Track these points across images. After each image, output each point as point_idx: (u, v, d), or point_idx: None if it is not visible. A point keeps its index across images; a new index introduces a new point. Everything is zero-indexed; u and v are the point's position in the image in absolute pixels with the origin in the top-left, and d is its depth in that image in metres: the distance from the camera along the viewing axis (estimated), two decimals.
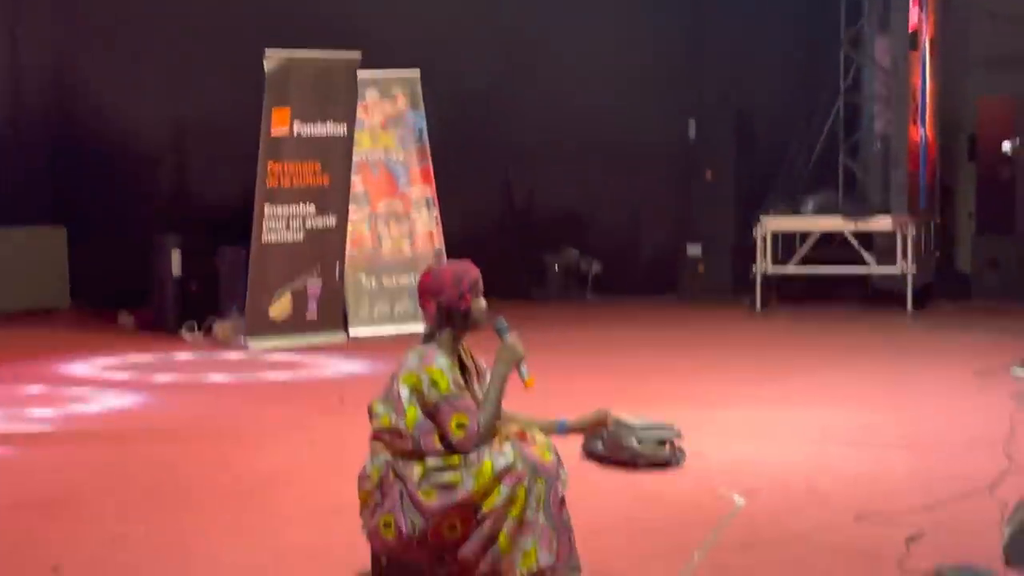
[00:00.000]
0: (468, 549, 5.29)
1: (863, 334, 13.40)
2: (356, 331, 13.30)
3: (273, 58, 12.59)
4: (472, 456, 5.30)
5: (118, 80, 15.27)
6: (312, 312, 13.02)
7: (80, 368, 11.62)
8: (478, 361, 5.62)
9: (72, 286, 14.89)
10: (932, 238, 15.68)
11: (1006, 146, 11.45)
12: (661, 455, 7.86)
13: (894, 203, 14.64)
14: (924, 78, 15.30)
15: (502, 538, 5.28)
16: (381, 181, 13.76)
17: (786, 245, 15.39)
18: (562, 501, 5.39)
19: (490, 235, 15.98)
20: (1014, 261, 14.91)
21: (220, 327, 13.10)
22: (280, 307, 12.82)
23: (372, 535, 5.42)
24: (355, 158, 13.35)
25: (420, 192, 13.92)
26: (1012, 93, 15.30)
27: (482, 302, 5.50)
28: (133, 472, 7.93)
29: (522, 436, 5.43)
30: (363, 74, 13.34)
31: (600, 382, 10.78)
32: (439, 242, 13.90)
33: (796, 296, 15.59)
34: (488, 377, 5.51)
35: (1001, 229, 15.21)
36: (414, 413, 5.35)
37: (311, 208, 12.94)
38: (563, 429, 5.66)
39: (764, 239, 14.91)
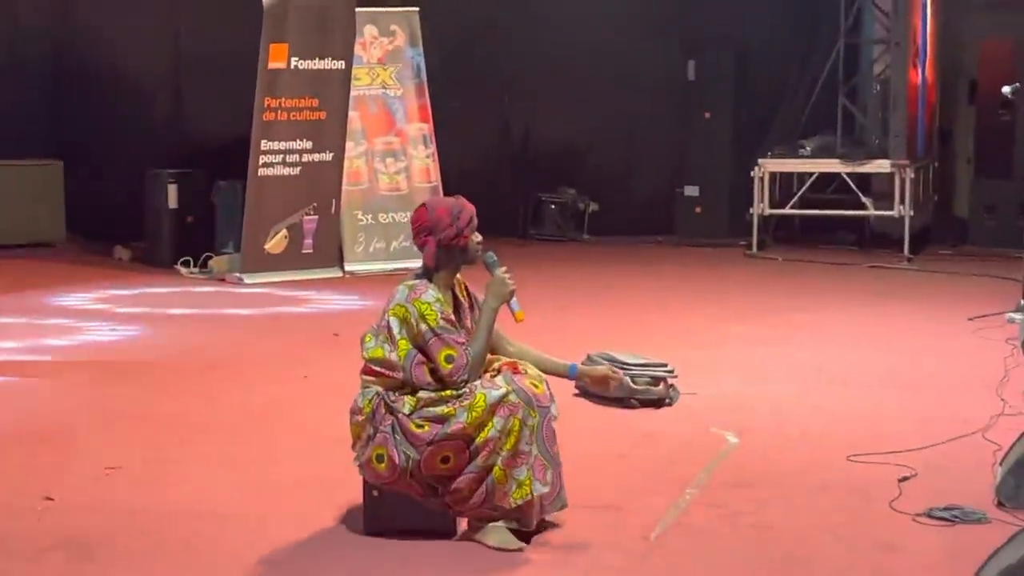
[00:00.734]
0: (462, 480, 5.31)
1: (859, 277, 13.39)
2: (352, 267, 13.29)
3: None
4: (465, 388, 5.31)
5: (115, 12, 15.17)
6: (308, 247, 13.01)
7: (75, 301, 11.62)
8: (473, 295, 5.62)
9: (68, 219, 14.85)
10: (930, 182, 15.63)
11: (1006, 89, 11.39)
12: (654, 393, 7.87)
13: (892, 146, 14.58)
14: (924, 20, 15.20)
15: (496, 469, 5.29)
16: (378, 117, 13.70)
17: (784, 187, 15.35)
18: (554, 434, 5.41)
19: (487, 173, 15.93)
20: (1012, 206, 14.87)
21: (216, 261, 13.09)
22: (276, 242, 12.81)
23: (365, 467, 5.43)
24: (352, 94, 13.30)
25: (417, 129, 13.87)
26: (1013, 36, 15.21)
27: (477, 236, 5.49)
28: (127, 404, 7.95)
29: (514, 368, 5.43)
30: (361, 10, 13.26)
31: (595, 320, 10.79)
32: (436, 179, 13.86)
33: (793, 238, 15.58)
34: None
35: (999, 174, 15.16)
36: (405, 345, 5.35)
37: (308, 143, 12.89)
38: (572, 373, 5.68)
39: (762, 181, 14.87)
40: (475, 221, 5.48)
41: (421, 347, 5.34)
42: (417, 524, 5.44)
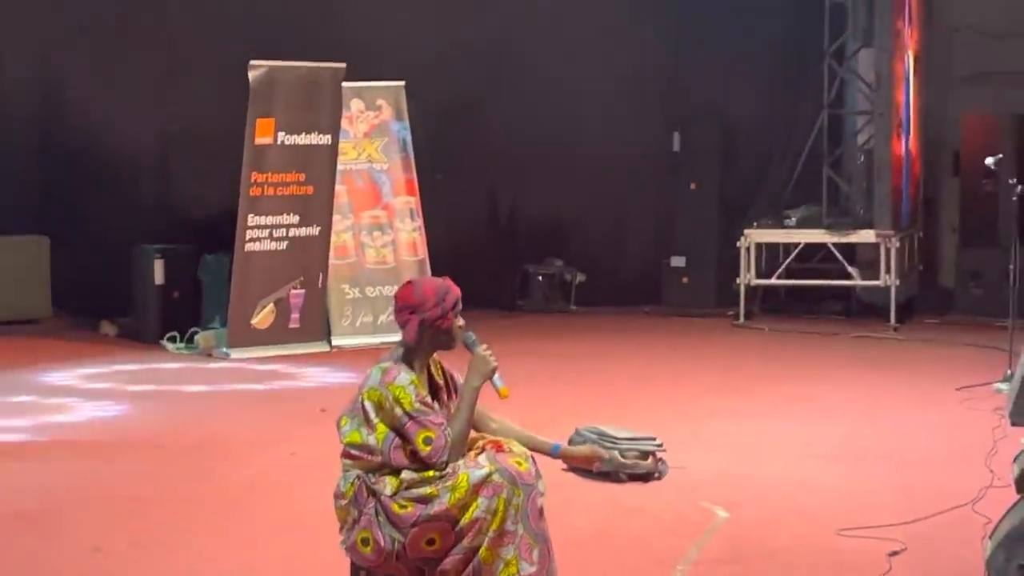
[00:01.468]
0: (448, 562, 5.27)
1: (846, 347, 13.40)
2: (339, 341, 13.27)
3: (258, 68, 12.56)
4: (448, 469, 5.28)
5: (102, 89, 15.20)
6: (295, 321, 12.99)
7: (62, 378, 11.57)
8: (450, 375, 5.59)
9: (54, 295, 14.82)
10: (915, 251, 15.69)
11: (989, 161, 11.48)
12: (643, 467, 7.84)
13: (877, 216, 14.64)
14: (908, 93, 15.32)
15: (483, 550, 5.25)
16: (365, 191, 13.73)
17: (770, 257, 15.39)
18: (541, 511, 5.38)
19: (474, 245, 15.95)
20: (997, 274, 14.89)
21: (202, 336, 13.06)
22: (263, 316, 12.79)
23: (351, 551, 5.39)
24: (339, 168, 13.33)
25: (404, 202, 13.89)
26: (993, 109, 15.34)
27: (460, 320, 5.47)
28: (114, 482, 7.90)
29: (498, 447, 5.41)
30: (348, 85, 13.32)
31: (583, 393, 10.77)
32: (423, 252, 13.87)
33: (779, 308, 15.59)
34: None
35: (984, 243, 15.22)
36: (383, 429, 5.32)
37: (295, 218, 12.91)
38: (556, 452, 5.65)
39: (748, 251, 14.91)
40: (460, 305, 5.47)
41: (398, 430, 5.31)
42: None
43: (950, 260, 16.02)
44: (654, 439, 8.03)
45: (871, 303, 15.24)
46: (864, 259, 15.11)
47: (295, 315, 12.98)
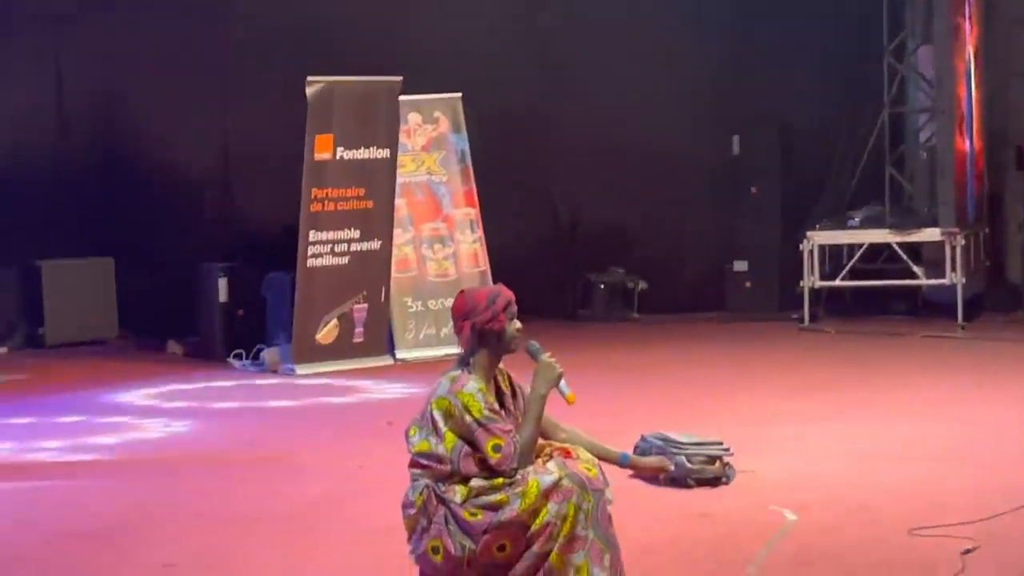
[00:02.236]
0: (519, 568, 5.26)
1: (913, 347, 13.30)
2: (403, 354, 13.30)
3: (315, 84, 12.62)
4: (517, 476, 5.28)
5: (162, 110, 15.36)
6: (359, 336, 13.04)
7: (130, 397, 11.67)
8: (517, 384, 5.59)
9: (120, 316, 14.97)
10: (981, 248, 15.54)
11: None
12: (710, 472, 7.81)
13: (942, 214, 14.53)
14: (969, 88, 15.19)
15: (553, 555, 5.24)
16: (425, 203, 13.77)
17: (833, 259, 15.29)
18: (609, 518, 5.36)
19: (535, 255, 15.97)
20: None
21: (268, 353, 13.13)
22: (327, 332, 12.84)
23: (421, 560, 5.40)
24: (398, 181, 13.37)
25: (464, 214, 13.92)
26: None
27: (516, 324, 5.46)
28: (183, 499, 7.95)
29: (566, 453, 5.40)
30: (405, 98, 13.36)
31: (648, 400, 10.74)
32: (484, 263, 13.89)
33: (844, 310, 15.49)
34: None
35: None
36: (451, 438, 5.32)
37: (356, 232, 12.96)
38: (624, 461, 5.63)
39: (811, 253, 14.83)
40: (513, 308, 5.46)
41: (467, 438, 5.31)
42: None
43: (1017, 256, 15.87)
44: (721, 444, 7.99)
45: (937, 302, 15.12)
46: (929, 258, 14.98)
47: (359, 329, 13.03)
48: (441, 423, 5.33)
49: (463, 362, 5.45)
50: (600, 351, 13.49)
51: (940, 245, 14.53)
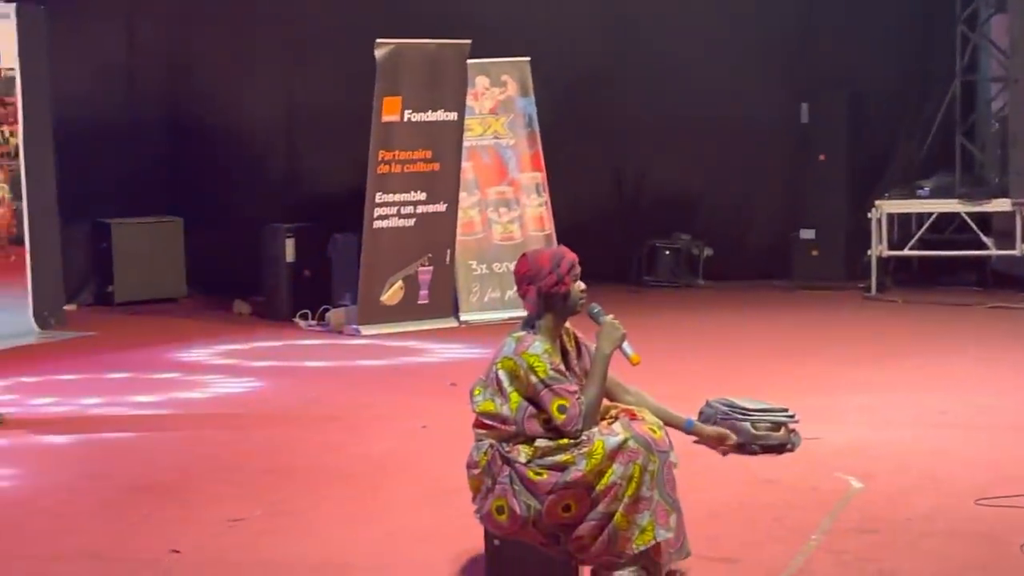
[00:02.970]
0: (584, 528, 5.28)
1: (981, 318, 13.18)
2: (467, 316, 13.33)
3: (384, 46, 12.63)
4: (582, 437, 5.29)
5: (230, 72, 15.43)
6: (424, 298, 13.07)
7: (198, 355, 11.77)
8: (583, 342, 5.59)
9: (189, 275, 15.09)
10: None
11: None
12: (776, 439, 7.79)
13: (1013, 184, 14.36)
14: None
15: (618, 516, 5.26)
16: (491, 167, 13.77)
17: (902, 228, 15.17)
18: (673, 482, 5.37)
19: (600, 220, 15.92)
20: None
21: (333, 313, 13.19)
22: (392, 293, 12.89)
23: (485, 519, 5.43)
24: (465, 144, 13.37)
25: (530, 178, 13.91)
26: None
27: (580, 285, 5.47)
28: (249, 455, 8.02)
29: (631, 415, 5.41)
30: (473, 61, 13.35)
31: (713, 366, 10.71)
32: (549, 227, 13.88)
33: (911, 280, 15.37)
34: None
35: None
36: (516, 398, 5.34)
37: (422, 195, 12.98)
38: (689, 427, 5.61)
39: (879, 222, 14.72)
40: (577, 269, 5.47)
41: (532, 399, 5.33)
42: (539, 573, 5.41)
43: None
44: (786, 411, 7.97)
45: (1007, 273, 14.97)
46: (999, 228, 14.82)
47: (424, 292, 13.06)
48: (506, 384, 5.34)
49: (529, 324, 5.46)
50: (665, 317, 13.47)
51: (1010, 216, 14.38)
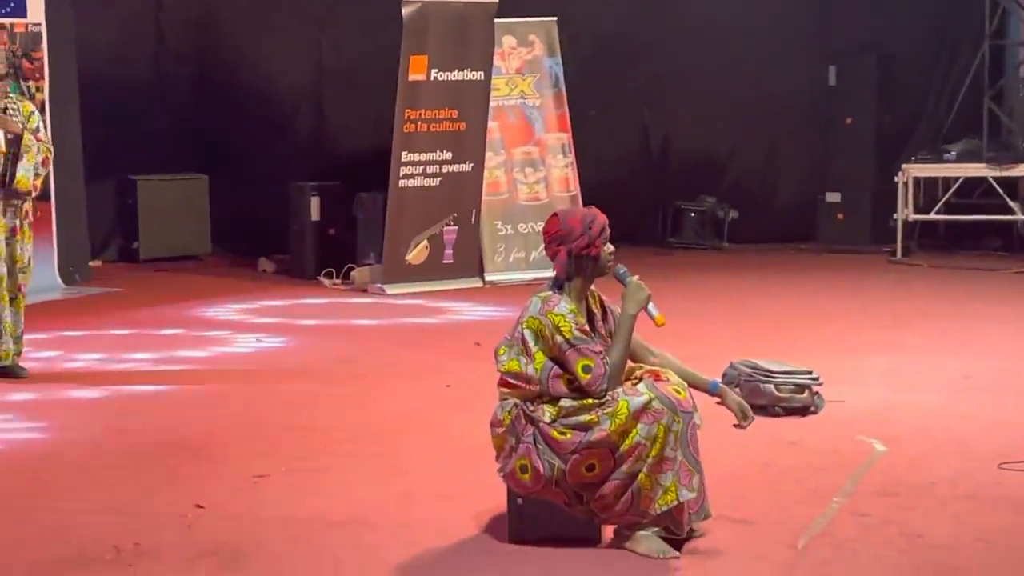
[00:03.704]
0: (607, 487, 5.30)
1: (1007, 283, 13.14)
2: (492, 276, 13.34)
3: (411, 5, 12.61)
4: (607, 397, 5.29)
5: (258, 30, 15.42)
6: (448, 257, 13.09)
7: (222, 312, 11.81)
8: (608, 305, 5.59)
9: (213, 233, 15.12)
10: None
11: None
12: (799, 401, 7.79)
13: None
14: None
15: (642, 475, 5.27)
16: (517, 127, 13.75)
17: (928, 192, 15.12)
18: (697, 443, 5.37)
19: (625, 181, 15.91)
20: None
21: (358, 272, 13.22)
22: (417, 252, 12.90)
23: (509, 478, 5.44)
24: (491, 104, 13.35)
25: (556, 138, 13.89)
26: None
27: (609, 247, 5.46)
28: (273, 412, 8.05)
29: (655, 375, 5.41)
30: (500, 21, 13.32)
31: (737, 328, 10.71)
32: (575, 188, 13.87)
33: (937, 245, 15.33)
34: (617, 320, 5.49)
35: None
36: (541, 358, 5.34)
37: (448, 154, 12.97)
38: (714, 389, 5.60)
39: (906, 186, 14.67)
40: (607, 232, 5.46)
41: (557, 359, 5.33)
42: (562, 531, 5.43)
43: None
44: (810, 373, 7.96)
45: None
46: None
47: (449, 251, 13.07)
48: (531, 343, 5.35)
49: (556, 285, 5.46)
50: (690, 279, 13.46)
51: None
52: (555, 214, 5.53)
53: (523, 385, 5.37)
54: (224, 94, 15.39)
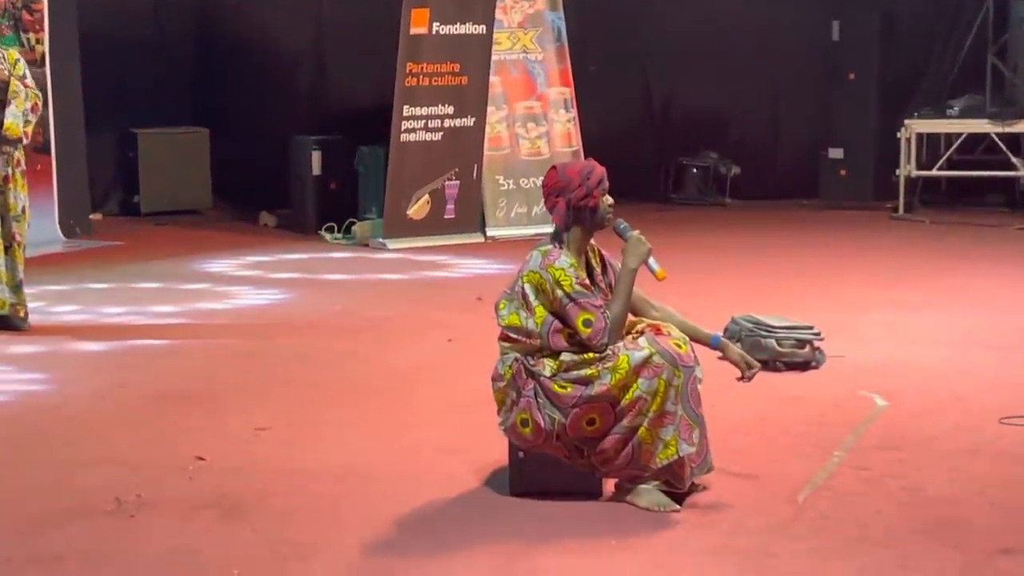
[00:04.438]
0: (608, 441, 5.31)
1: (1008, 240, 13.13)
2: (493, 231, 13.32)
3: None
4: (607, 351, 5.29)
5: None
6: (450, 212, 13.06)
7: (223, 266, 11.80)
8: (608, 259, 5.59)
9: (214, 187, 15.09)
10: None
11: None
12: (800, 356, 7.79)
13: None
14: None
15: (642, 430, 5.28)
16: (519, 81, 13.70)
17: (931, 148, 15.08)
18: (698, 397, 5.38)
19: (628, 137, 15.86)
20: None
21: (359, 227, 13.20)
22: (419, 207, 12.88)
23: (510, 432, 5.45)
24: (493, 58, 13.30)
25: (558, 93, 13.84)
26: None
27: (608, 199, 5.45)
28: (274, 366, 8.06)
29: (656, 330, 5.41)
30: None
31: (738, 284, 10.70)
32: (577, 143, 13.83)
33: (939, 201, 15.30)
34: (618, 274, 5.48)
35: None
36: (541, 312, 5.34)
37: (450, 108, 12.93)
38: (715, 343, 5.59)
39: (908, 142, 14.63)
40: (606, 183, 5.44)
41: (558, 313, 5.33)
42: (563, 485, 5.44)
43: None
44: (811, 328, 7.96)
45: None
46: None
47: (450, 206, 13.05)
48: (532, 297, 5.34)
49: (556, 238, 5.45)
50: (691, 234, 13.45)
51: None
52: (553, 167, 5.53)
53: (524, 339, 5.37)
54: (226, 47, 15.32)
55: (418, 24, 12.64)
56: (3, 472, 5.98)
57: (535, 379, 5.33)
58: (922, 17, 15.64)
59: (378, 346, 8.59)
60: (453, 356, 8.27)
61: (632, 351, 5.28)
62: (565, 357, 5.32)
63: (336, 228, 13.40)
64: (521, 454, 5.47)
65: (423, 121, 12.82)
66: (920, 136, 14.80)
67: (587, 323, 5.29)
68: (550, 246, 5.42)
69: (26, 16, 12.64)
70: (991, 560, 4.83)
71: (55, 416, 6.91)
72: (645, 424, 5.27)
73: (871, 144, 15.54)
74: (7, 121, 8.56)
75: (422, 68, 12.73)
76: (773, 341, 7.78)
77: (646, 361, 5.25)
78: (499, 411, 5.50)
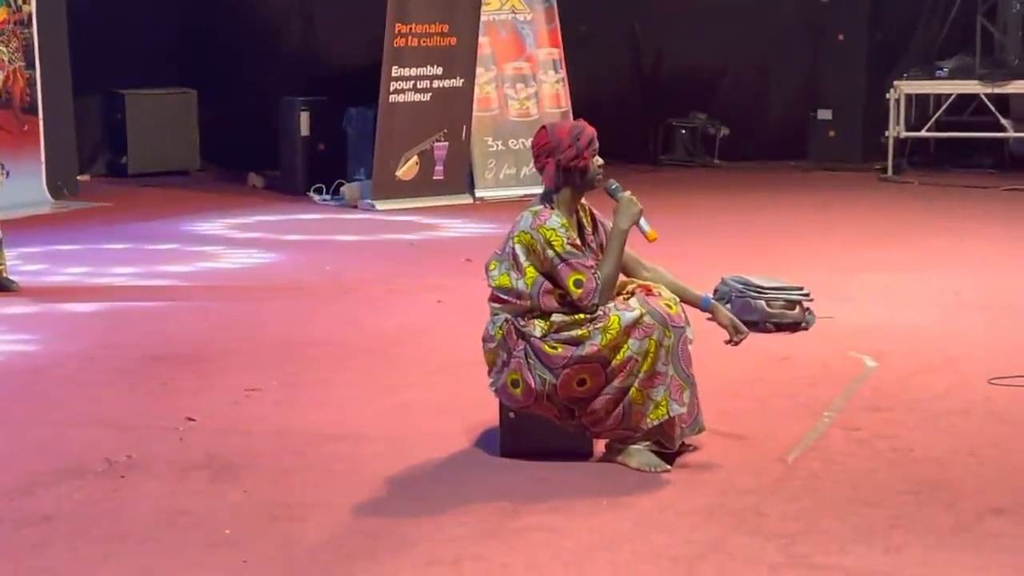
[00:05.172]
0: (599, 402, 5.31)
1: (997, 200, 13.15)
2: (482, 193, 13.31)
3: None
4: (598, 312, 5.29)
5: None
6: (439, 173, 13.04)
7: (211, 227, 11.78)
8: (599, 219, 5.57)
9: (202, 148, 15.05)
10: None
11: None
12: (790, 317, 7.80)
13: None
14: None
15: (633, 390, 5.28)
16: (508, 42, 13.66)
17: (920, 109, 15.08)
18: (689, 357, 5.38)
19: (617, 98, 15.84)
20: None
21: (348, 188, 13.18)
22: (407, 168, 12.86)
23: (501, 392, 5.45)
24: (482, 19, 13.25)
25: (547, 54, 13.81)
26: None
27: (598, 160, 5.43)
28: (264, 326, 8.05)
29: (647, 290, 5.41)
30: None
31: (728, 245, 10.70)
32: (566, 104, 13.80)
33: (928, 162, 15.31)
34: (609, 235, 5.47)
35: None
36: (532, 273, 5.33)
37: (438, 69, 12.89)
38: (706, 305, 5.59)
39: (897, 103, 14.62)
40: (596, 143, 5.42)
41: (549, 273, 5.32)
42: (554, 446, 5.44)
43: None
44: (801, 289, 7.97)
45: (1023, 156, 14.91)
46: (1018, 111, 14.75)
47: (439, 167, 13.02)
48: (522, 258, 5.33)
49: (546, 199, 5.44)
50: (681, 196, 13.44)
51: None
52: (543, 127, 5.51)
53: (514, 300, 5.37)
54: (213, 7, 15.26)
55: None
56: None
57: (526, 340, 5.33)
58: None
59: (367, 307, 8.58)
60: (443, 317, 8.26)
61: (623, 311, 5.28)
62: (556, 318, 5.32)
63: (324, 189, 13.38)
64: (512, 415, 5.48)
65: (412, 82, 12.78)
66: (909, 97, 14.79)
67: (578, 283, 5.28)
68: (540, 206, 5.41)
69: None
70: (982, 519, 4.85)
71: (44, 377, 6.90)
72: (636, 384, 5.27)
73: (860, 105, 15.53)
74: None
75: (411, 29, 12.69)
76: (763, 302, 7.78)
77: (637, 322, 5.25)
78: (489, 372, 5.50)
